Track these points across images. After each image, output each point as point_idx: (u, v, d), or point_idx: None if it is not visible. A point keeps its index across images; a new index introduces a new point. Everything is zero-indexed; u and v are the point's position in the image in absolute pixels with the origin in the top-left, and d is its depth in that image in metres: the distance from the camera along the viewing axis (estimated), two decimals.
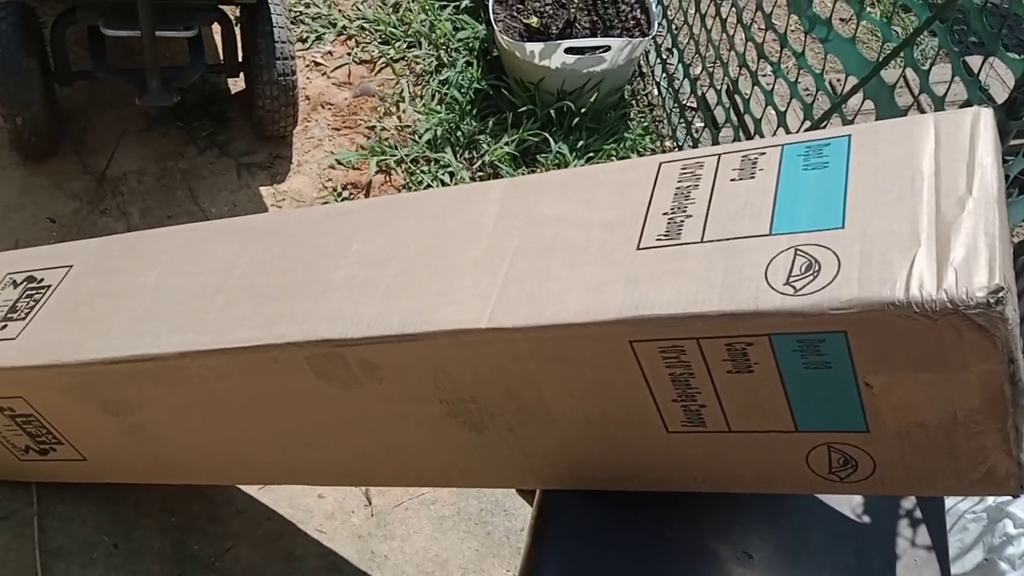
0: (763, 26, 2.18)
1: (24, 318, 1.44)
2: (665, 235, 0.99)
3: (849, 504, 1.26)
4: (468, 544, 1.77)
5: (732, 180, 1.02)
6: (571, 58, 2.47)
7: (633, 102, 2.72)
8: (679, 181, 1.05)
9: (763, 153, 1.04)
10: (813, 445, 0.99)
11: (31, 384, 1.39)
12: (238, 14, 2.36)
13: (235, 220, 1.46)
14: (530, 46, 2.46)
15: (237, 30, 2.33)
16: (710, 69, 2.51)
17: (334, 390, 1.16)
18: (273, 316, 1.17)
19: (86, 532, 1.67)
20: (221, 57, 2.37)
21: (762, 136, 2.34)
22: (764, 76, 2.46)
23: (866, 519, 1.25)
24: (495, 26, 2.54)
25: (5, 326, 1.45)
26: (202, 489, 1.75)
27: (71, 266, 1.52)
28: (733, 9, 2.29)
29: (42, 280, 1.52)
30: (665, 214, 1.02)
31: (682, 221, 1.00)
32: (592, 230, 1.05)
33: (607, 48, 2.48)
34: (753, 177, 1.01)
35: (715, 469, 1.07)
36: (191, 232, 1.50)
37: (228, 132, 2.46)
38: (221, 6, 2.20)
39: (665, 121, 2.69)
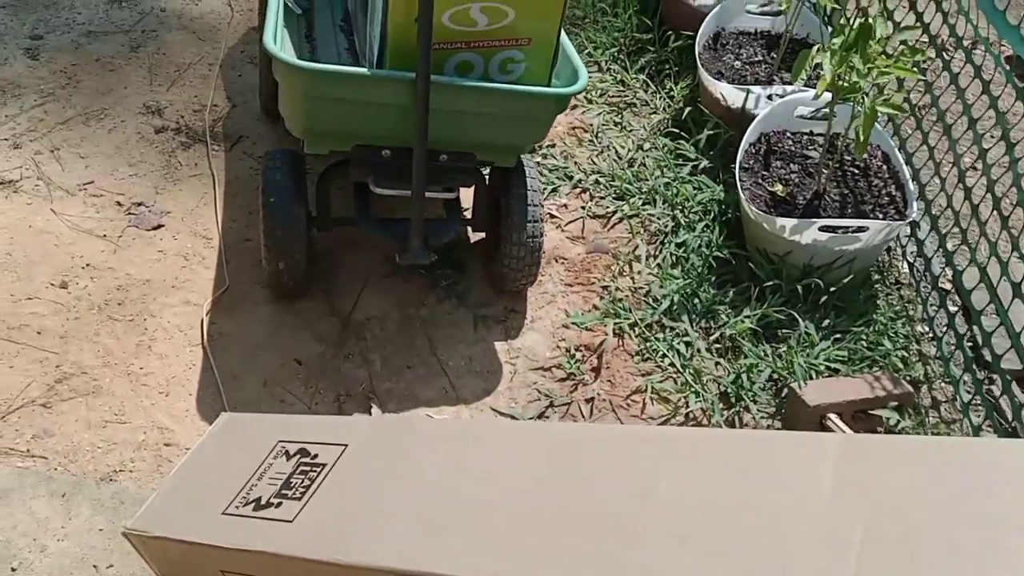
0: None
1: (300, 498, 1.44)
2: None
3: None
4: None
5: None
6: (824, 235, 2.37)
7: (879, 276, 2.58)
8: None
9: None
10: None
11: (300, 574, 1.37)
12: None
13: (516, 425, 1.43)
14: (781, 221, 2.38)
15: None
16: (973, 247, 2.34)
17: None
18: (576, 557, 1.11)
19: None
20: (470, 212, 2.41)
21: None
22: None
23: None
24: (741, 194, 2.48)
25: (280, 503, 1.45)
26: None
27: (346, 445, 1.52)
28: (1014, 189, 2.14)
29: (316, 456, 1.52)
30: None
31: None
32: (956, 521, 0.94)
33: (864, 228, 2.37)
34: None
35: None
36: (468, 429, 1.47)
37: (466, 281, 2.48)
38: (479, 167, 2.24)
39: (917, 302, 2.52)
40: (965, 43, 2.51)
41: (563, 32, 2.03)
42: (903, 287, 2.60)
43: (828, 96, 2.42)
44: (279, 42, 1.97)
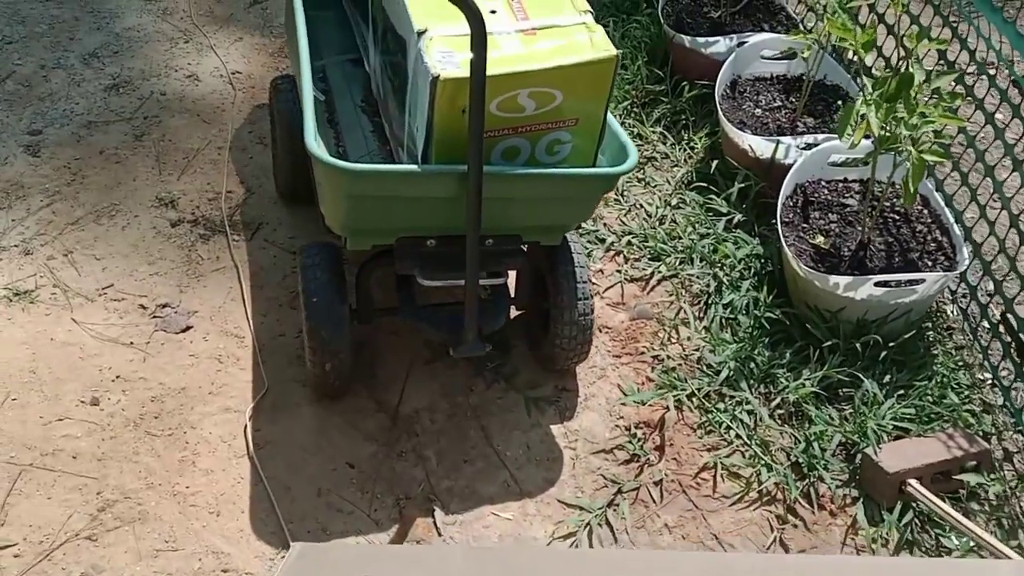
0: None
1: None
2: None
3: None
4: None
5: None
6: (880, 290, 2.30)
7: (930, 322, 2.52)
8: None
9: None
10: None
11: None
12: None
13: (639, 557, 1.34)
14: (834, 279, 2.31)
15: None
16: None
17: None
18: None
19: None
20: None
21: None
22: None
23: None
24: (787, 251, 2.41)
25: None
26: None
27: None
28: None
29: None
30: None
31: None
32: None
33: (920, 279, 2.31)
34: None
35: None
36: (578, 561, 1.38)
37: (512, 361, 2.39)
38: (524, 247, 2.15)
39: (975, 350, 2.46)
40: (988, 69, 2.48)
41: (609, 109, 1.96)
42: (954, 331, 2.54)
43: (866, 144, 2.37)
44: (318, 139, 1.88)
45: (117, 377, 2.27)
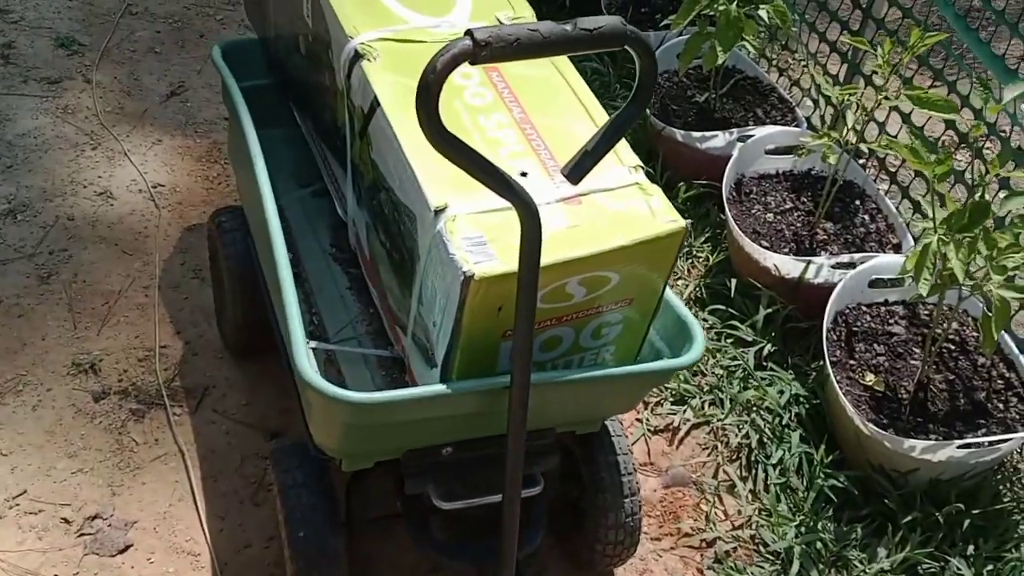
0: None
1: None
2: None
3: None
4: None
5: None
6: (961, 452, 1.98)
7: (1000, 473, 2.21)
8: None
9: None
10: None
11: None
12: None
13: None
14: (910, 442, 1.98)
15: None
16: None
17: None
18: None
19: None
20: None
21: None
22: None
23: None
24: (844, 402, 2.07)
25: None
26: None
27: None
28: None
29: None
30: None
31: None
32: None
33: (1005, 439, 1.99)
34: None
35: None
36: None
37: (535, 557, 1.97)
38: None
39: None
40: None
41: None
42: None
43: (926, 279, 2.04)
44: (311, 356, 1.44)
45: None
